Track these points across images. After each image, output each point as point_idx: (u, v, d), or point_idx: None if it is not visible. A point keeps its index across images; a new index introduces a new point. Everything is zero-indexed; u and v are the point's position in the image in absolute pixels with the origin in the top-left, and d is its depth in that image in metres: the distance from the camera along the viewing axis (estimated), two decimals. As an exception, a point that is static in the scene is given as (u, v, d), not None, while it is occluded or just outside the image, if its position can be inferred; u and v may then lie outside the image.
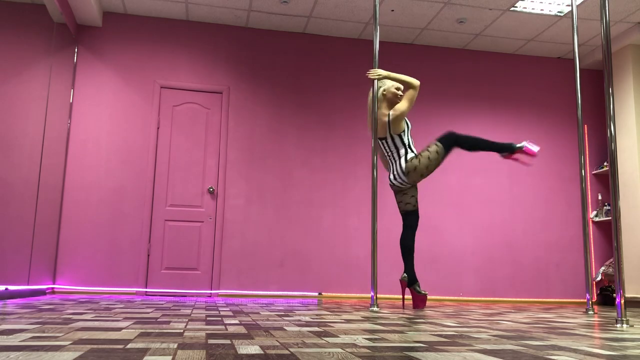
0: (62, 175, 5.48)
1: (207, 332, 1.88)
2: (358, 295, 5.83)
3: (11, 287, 4.21)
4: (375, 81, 4.09)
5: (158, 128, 5.77)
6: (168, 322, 2.23)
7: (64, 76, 5.43)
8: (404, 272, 4.11)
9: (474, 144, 4.16)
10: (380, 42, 6.38)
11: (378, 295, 5.84)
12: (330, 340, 1.71)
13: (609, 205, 6.39)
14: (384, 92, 4.20)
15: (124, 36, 5.86)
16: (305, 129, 6.06)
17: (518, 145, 4.18)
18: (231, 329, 1.99)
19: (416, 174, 4.07)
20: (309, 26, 6.07)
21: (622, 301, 2.67)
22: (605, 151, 6.66)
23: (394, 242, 6.00)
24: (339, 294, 5.82)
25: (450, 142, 4.14)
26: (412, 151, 4.15)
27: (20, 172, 4.60)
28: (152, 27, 5.94)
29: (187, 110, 5.85)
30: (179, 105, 5.85)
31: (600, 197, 6.51)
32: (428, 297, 5.96)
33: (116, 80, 5.77)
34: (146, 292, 5.47)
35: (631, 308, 5.46)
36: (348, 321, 2.52)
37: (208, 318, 2.51)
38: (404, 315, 3.08)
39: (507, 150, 4.18)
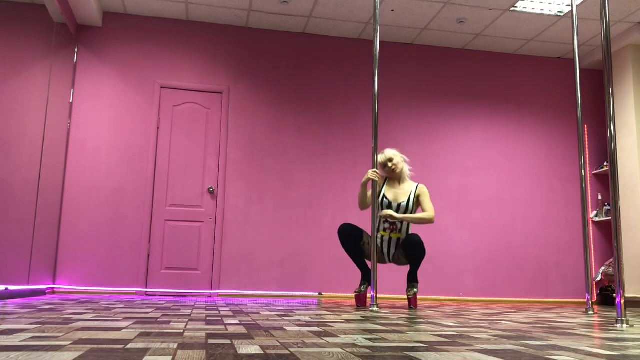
0: (62, 176, 5.48)
1: (207, 332, 1.88)
2: (358, 295, 5.83)
3: (11, 287, 4.21)
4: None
5: (158, 128, 5.77)
6: (168, 322, 2.23)
7: (64, 76, 5.43)
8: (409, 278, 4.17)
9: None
10: (380, 42, 6.38)
11: (378, 295, 5.84)
12: (330, 340, 1.71)
13: (609, 205, 6.39)
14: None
15: (124, 36, 5.86)
16: (306, 129, 6.06)
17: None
18: (231, 329, 1.99)
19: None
20: (309, 26, 6.07)
21: (622, 301, 2.67)
22: (605, 151, 6.66)
23: (394, 242, 5.99)
24: (339, 294, 5.82)
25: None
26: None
27: (20, 172, 4.60)
28: (152, 27, 5.94)
29: (187, 110, 5.85)
30: (179, 105, 5.85)
31: (600, 197, 6.51)
32: (429, 297, 5.97)
33: (116, 80, 5.77)
34: (146, 292, 5.47)
35: (631, 308, 5.46)
36: (348, 321, 2.52)
37: (208, 318, 2.51)
38: (404, 315, 3.08)
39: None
